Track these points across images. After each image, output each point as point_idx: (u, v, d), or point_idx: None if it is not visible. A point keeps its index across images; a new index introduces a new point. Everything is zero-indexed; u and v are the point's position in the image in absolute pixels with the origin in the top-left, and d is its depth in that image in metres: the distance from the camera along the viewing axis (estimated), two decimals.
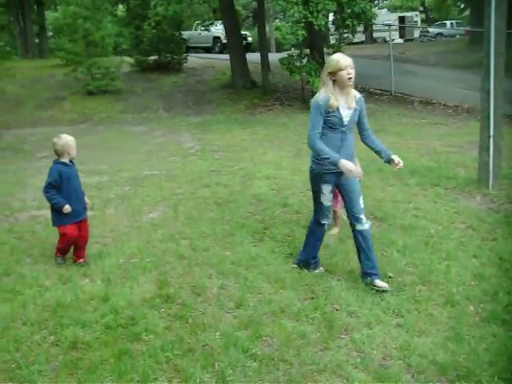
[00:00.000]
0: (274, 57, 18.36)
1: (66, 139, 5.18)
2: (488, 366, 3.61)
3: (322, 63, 14.87)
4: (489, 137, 7.23)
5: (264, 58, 17.60)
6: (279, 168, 8.84)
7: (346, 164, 4.34)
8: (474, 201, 7.06)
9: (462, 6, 45.31)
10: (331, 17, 15.46)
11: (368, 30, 19.74)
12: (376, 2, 46.84)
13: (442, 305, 4.44)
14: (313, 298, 4.56)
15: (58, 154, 5.19)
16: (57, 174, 5.13)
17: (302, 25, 13.66)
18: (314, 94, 15.21)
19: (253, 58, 18.81)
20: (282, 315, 4.26)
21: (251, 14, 21.40)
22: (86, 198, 5.51)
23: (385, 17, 37.27)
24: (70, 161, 5.26)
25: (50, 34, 36.99)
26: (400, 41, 34.76)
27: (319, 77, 14.09)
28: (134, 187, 8.22)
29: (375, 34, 39.16)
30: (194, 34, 29.79)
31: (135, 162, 9.91)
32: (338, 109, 4.47)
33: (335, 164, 4.38)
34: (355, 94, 4.65)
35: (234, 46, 18.08)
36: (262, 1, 18.51)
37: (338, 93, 4.49)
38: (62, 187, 5.14)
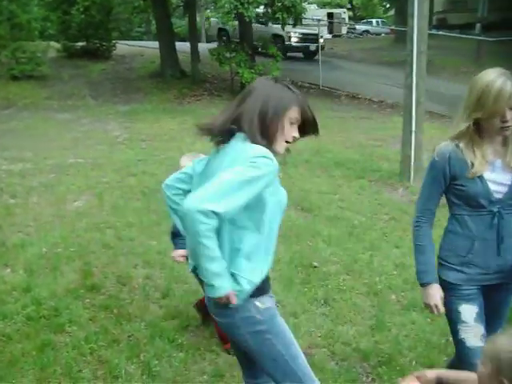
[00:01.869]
0: (203, 47, 18.24)
1: None
2: (408, 351, 3.75)
3: (251, 55, 14.94)
4: (411, 132, 7.48)
5: (194, 48, 17.46)
6: None
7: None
8: (397, 193, 7.30)
9: (388, 5, 46.69)
10: (262, 9, 15.49)
11: (297, 24, 19.88)
12: None
13: (365, 294, 4.57)
14: None
15: None
16: None
17: (233, 16, 13.63)
18: (242, 85, 15.19)
19: (182, 47, 18.61)
20: None
21: (182, 4, 21.10)
22: None
23: (314, 12, 37.75)
24: None
25: None
26: (328, 36, 35.33)
27: (248, 68, 14.31)
28: (58, 175, 7.97)
29: None
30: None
31: (60, 150, 9.61)
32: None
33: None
34: None
35: (164, 34, 17.82)
36: None
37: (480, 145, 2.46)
38: None
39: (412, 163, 7.52)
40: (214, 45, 16.47)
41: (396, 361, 3.63)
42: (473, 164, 2.41)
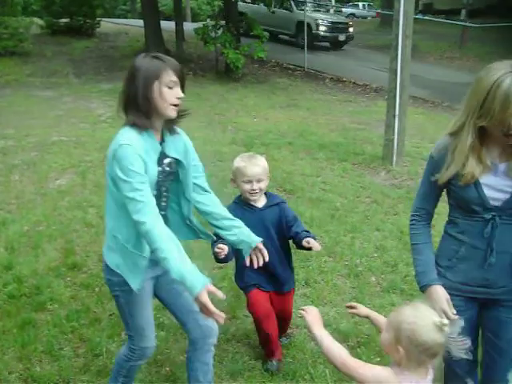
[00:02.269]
0: (189, 26, 18.08)
1: None
2: None
3: (236, 35, 14.83)
4: (394, 116, 7.51)
5: (179, 27, 17.29)
6: (190, 138, 8.66)
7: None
8: (379, 176, 7.35)
9: None
10: None
11: (284, 5, 19.75)
12: None
13: (345, 275, 4.62)
14: (220, 268, 4.61)
15: None
16: None
17: None
18: (227, 65, 15.08)
19: (167, 25, 18.42)
20: None
21: None
22: None
23: None
24: None
25: None
26: None
27: (234, 49, 14.21)
28: (41, 153, 7.90)
29: None
30: (262, 9, 19.42)
31: (43, 128, 9.51)
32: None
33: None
34: None
35: (149, 12, 17.62)
36: None
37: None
38: None
39: (395, 147, 7.57)
40: (199, 24, 16.29)
41: (375, 341, 3.68)
42: (464, 166, 2.14)
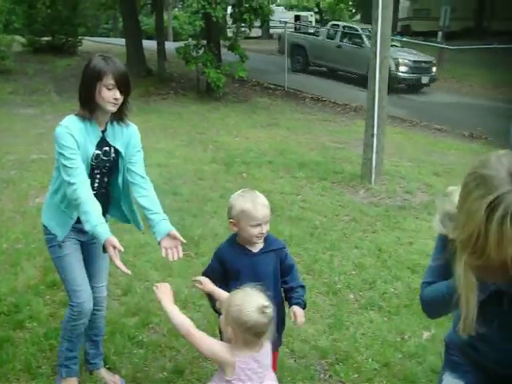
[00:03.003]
0: (171, 46, 18.17)
1: None
2: (364, 349, 3.85)
3: (217, 55, 14.95)
4: (372, 135, 7.62)
5: (160, 46, 17.38)
6: (171, 157, 8.80)
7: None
8: (358, 195, 7.43)
9: (354, 10, 47.24)
10: (230, 10, 15.52)
11: (264, 25, 19.92)
12: None
13: (324, 293, 4.66)
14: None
15: None
16: None
17: (200, 15, 13.64)
18: (208, 85, 15.12)
19: (149, 45, 18.52)
20: None
21: (149, 1, 20.92)
22: None
23: (281, 14, 37.92)
24: None
25: None
26: None
27: (215, 68, 14.30)
28: (20, 171, 7.85)
29: (271, 30, 39.76)
30: (325, 43, 18.55)
31: (24, 145, 9.46)
32: None
33: None
34: None
35: (131, 31, 17.70)
36: None
37: None
38: None
39: (373, 166, 7.66)
40: (181, 44, 16.38)
41: (353, 358, 3.73)
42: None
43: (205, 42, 15.14)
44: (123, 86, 2.85)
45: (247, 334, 2.15)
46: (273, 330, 2.23)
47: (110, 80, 2.79)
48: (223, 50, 15.42)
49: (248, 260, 2.82)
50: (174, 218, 6.04)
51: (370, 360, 3.71)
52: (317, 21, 48.05)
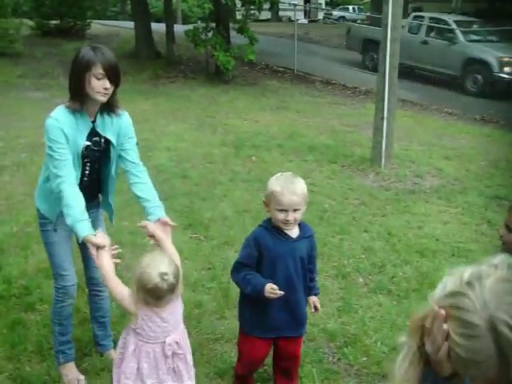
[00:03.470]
0: (179, 28, 18.08)
1: None
2: (373, 332, 3.86)
3: (227, 38, 14.86)
4: (382, 118, 7.57)
5: (169, 29, 17.30)
6: (181, 140, 8.79)
7: None
8: (368, 178, 7.40)
9: None
10: None
11: (274, 8, 19.79)
12: None
13: (333, 276, 4.66)
14: (210, 269, 4.64)
15: None
16: None
17: None
18: (217, 67, 15.08)
19: (158, 28, 18.43)
20: None
21: None
22: None
23: None
24: None
25: None
26: (305, 21, 35.29)
27: (224, 51, 14.23)
28: (31, 154, 7.88)
29: (281, 13, 39.53)
30: (405, 39, 11.52)
31: (34, 129, 9.47)
32: None
33: None
34: None
35: (140, 14, 17.62)
36: None
37: None
38: None
39: (383, 149, 7.62)
40: (189, 26, 16.28)
41: (361, 341, 3.73)
42: None
43: (214, 24, 15.06)
44: (113, 75, 2.83)
45: (147, 296, 2.35)
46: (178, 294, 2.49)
47: (99, 70, 2.79)
48: (232, 33, 15.31)
49: (288, 246, 2.81)
50: (183, 201, 6.10)
51: (379, 343, 3.71)
52: (326, 3, 47.64)
